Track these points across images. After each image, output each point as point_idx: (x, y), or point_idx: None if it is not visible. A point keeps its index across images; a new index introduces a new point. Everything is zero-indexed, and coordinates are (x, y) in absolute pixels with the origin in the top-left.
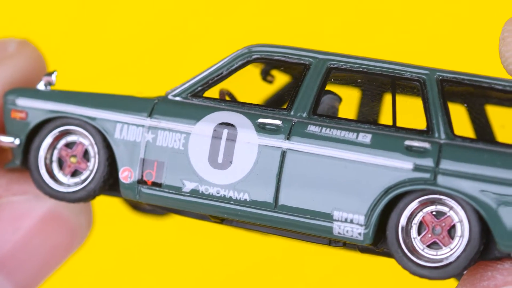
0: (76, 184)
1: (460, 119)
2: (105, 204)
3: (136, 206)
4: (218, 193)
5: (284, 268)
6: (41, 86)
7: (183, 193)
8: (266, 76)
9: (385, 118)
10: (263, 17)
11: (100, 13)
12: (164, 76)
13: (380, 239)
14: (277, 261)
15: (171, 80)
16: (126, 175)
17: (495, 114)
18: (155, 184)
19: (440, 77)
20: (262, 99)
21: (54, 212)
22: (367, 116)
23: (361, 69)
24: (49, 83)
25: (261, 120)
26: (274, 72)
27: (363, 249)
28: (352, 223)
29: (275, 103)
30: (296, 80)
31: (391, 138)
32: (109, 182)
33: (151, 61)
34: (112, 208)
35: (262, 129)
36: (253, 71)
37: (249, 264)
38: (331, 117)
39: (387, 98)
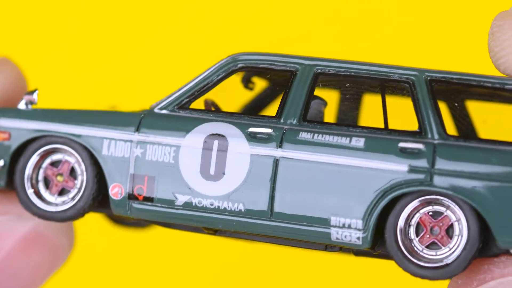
0: (64, 202)
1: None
2: (86, 222)
3: (118, 219)
4: (212, 205)
5: (278, 275)
6: (22, 105)
7: (176, 207)
8: (247, 83)
9: (377, 121)
10: (241, 26)
11: (77, 29)
12: (143, 89)
13: (377, 242)
14: (270, 267)
15: (151, 93)
16: (116, 191)
17: (477, 109)
18: (146, 199)
19: (429, 78)
20: (240, 105)
21: (36, 232)
22: (356, 120)
23: (348, 73)
24: (30, 102)
25: (251, 129)
26: (254, 79)
27: (358, 252)
28: (350, 228)
29: (254, 109)
30: (275, 85)
31: (385, 141)
32: (98, 199)
33: (129, 76)
34: (94, 225)
35: (253, 138)
36: (233, 79)
37: (241, 272)
38: (322, 123)
39: (378, 101)
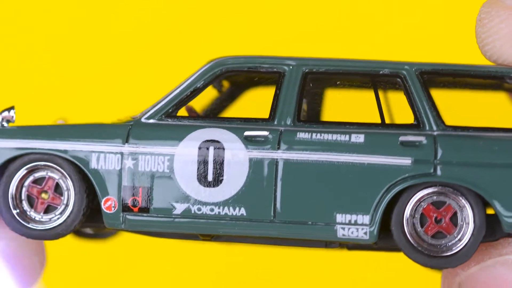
0: (51, 220)
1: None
2: (57, 240)
3: (79, 231)
4: (212, 211)
5: (276, 276)
6: None
7: (174, 216)
8: (221, 87)
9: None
10: (215, 32)
11: (46, 43)
12: (111, 100)
13: (379, 235)
14: (267, 268)
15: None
16: (110, 204)
17: (442, 97)
18: (142, 210)
19: (419, 70)
20: (201, 108)
21: (6, 254)
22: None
23: (338, 71)
24: (7, 120)
25: (247, 133)
26: (224, 82)
27: (351, 246)
28: (357, 224)
29: (213, 110)
30: (235, 87)
31: (385, 135)
32: (87, 214)
33: (100, 88)
34: (65, 243)
35: (249, 141)
36: None
37: (237, 275)
38: (317, 122)
39: (371, 97)
